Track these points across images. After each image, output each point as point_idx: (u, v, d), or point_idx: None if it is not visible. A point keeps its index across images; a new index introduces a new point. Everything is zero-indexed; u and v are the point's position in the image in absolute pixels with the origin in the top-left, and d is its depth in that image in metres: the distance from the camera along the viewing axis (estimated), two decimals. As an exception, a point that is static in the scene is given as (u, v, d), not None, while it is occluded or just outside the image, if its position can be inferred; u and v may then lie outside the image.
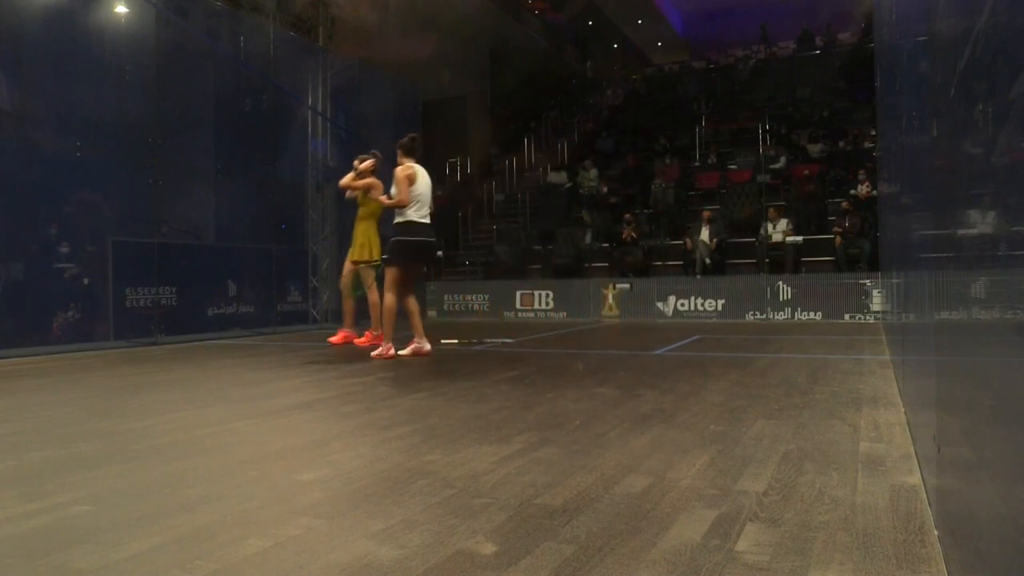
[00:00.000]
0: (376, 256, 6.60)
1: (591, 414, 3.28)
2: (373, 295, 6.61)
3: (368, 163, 6.65)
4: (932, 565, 1.52)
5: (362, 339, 6.75)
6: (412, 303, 6.00)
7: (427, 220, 5.79)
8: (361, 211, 6.65)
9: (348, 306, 6.87)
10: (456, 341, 7.37)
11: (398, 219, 5.76)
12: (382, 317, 6.00)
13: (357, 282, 6.71)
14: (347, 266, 6.74)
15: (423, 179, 5.77)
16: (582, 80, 22.20)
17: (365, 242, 6.59)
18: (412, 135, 6.03)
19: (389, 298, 5.77)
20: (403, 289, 5.81)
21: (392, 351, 5.78)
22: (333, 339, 6.79)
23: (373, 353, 5.88)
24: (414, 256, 5.77)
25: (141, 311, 7.77)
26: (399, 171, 5.73)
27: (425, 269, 6.40)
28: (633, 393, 3.87)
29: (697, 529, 1.74)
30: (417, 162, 5.89)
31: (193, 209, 8.94)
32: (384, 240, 6.46)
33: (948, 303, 1.55)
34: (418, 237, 5.73)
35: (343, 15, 11.43)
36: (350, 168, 6.81)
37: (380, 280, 6.30)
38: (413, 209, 5.71)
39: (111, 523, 1.86)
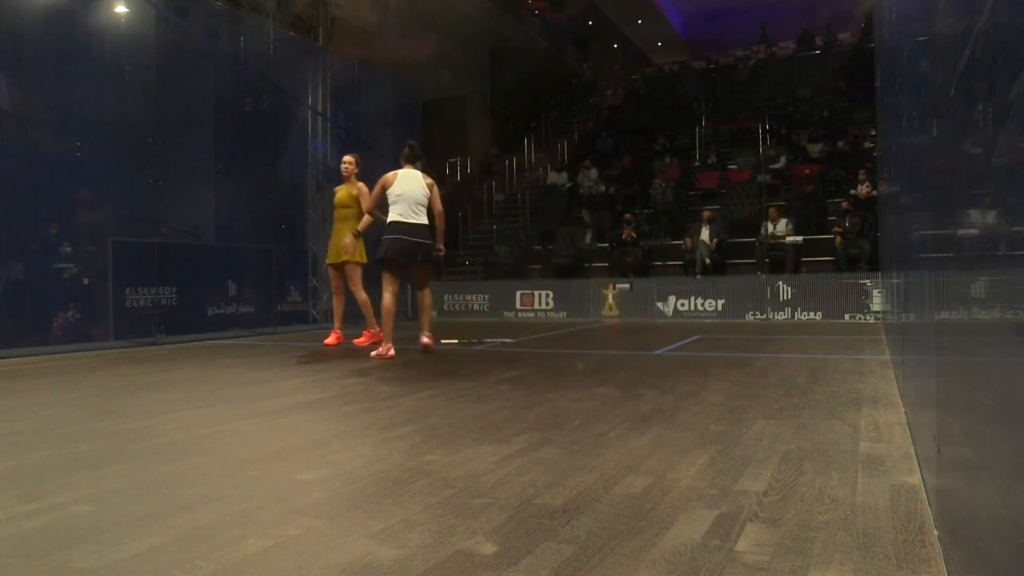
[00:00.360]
0: (364, 257, 6.67)
1: (591, 414, 3.27)
2: (362, 295, 6.65)
3: (346, 167, 6.70)
4: (932, 565, 1.52)
5: (361, 339, 6.76)
6: (422, 297, 6.20)
7: (407, 219, 5.79)
8: (345, 212, 6.70)
9: (338, 307, 6.92)
10: (456, 341, 7.37)
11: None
12: (380, 316, 6.06)
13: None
14: (333, 270, 6.78)
15: (403, 182, 5.84)
16: (582, 80, 22.21)
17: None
18: (410, 143, 6.13)
19: (386, 298, 5.83)
20: (395, 287, 5.86)
21: (391, 351, 5.79)
22: (327, 340, 6.83)
23: (372, 353, 5.89)
24: (392, 254, 5.78)
25: (141, 311, 7.77)
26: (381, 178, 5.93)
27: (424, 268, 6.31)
28: (633, 393, 3.87)
29: (697, 529, 1.74)
30: (418, 168, 5.96)
31: (193, 209, 8.93)
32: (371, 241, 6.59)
33: (948, 303, 1.55)
34: (393, 235, 5.77)
35: (343, 15, 11.43)
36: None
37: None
38: (394, 209, 5.82)
39: (111, 523, 1.86)
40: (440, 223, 6.01)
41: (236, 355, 6.52)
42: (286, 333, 9.12)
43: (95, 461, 2.55)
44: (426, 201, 5.88)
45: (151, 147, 7.92)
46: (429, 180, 5.96)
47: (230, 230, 9.46)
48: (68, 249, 7.27)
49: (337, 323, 6.88)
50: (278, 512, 1.93)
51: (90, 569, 1.56)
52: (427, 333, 6.19)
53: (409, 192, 5.81)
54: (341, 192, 6.75)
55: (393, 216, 5.82)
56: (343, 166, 6.75)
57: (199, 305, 8.53)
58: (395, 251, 5.76)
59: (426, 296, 6.23)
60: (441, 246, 6.12)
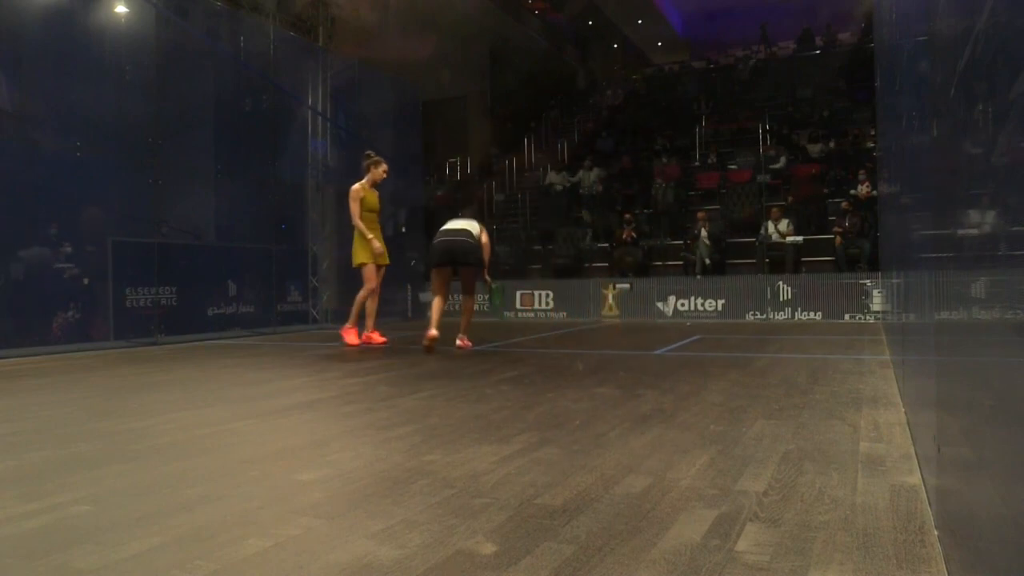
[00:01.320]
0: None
1: (591, 414, 3.27)
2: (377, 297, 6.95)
3: (385, 174, 6.96)
4: (932, 565, 1.52)
5: (375, 339, 6.88)
6: (464, 301, 6.74)
7: (451, 226, 6.45)
8: (376, 216, 6.94)
9: (374, 306, 7.01)
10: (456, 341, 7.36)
11: None
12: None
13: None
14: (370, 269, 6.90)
15: (456, 220, 6.61)
16: (581, 80, 22.22)
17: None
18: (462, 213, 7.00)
19: (435, 300, 6.37)
20: (441, 292, 6.41)
21: (434, 332, 6.12)
22: (352, 341, 6.87)
23: (426, 337, 6.13)
24: (435, 258, 6.33)
25: (141, 311, 7.77)
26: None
27: (459, 270, 6.55)
28: (633, 393, 3.87)
29: (697, 529, 1.74)
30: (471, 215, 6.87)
31: (193, 209, 8.93)
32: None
33: (948, 303, 1.55)
34: (437, 240, 6.37)
35: (343, 15, 11.43)
36: (352, 168, 6.92)
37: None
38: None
39: (111, 523, 1.86)
40: (486, 253, 6.51)
41: (236, 355, 6.52)
42: (286, 333, 9.12)
43: (95, 461, 2.55)
44: (475, 226, 6.45)
45: (151, 147, 7.92)
46: (481, 225, 6.56)
47: (230, 230, 9.45)
48: (68, 249, 7.27)
49: (370, 322, 6.94)
50: (278, 512, 1.93)
51: (90, 569, 1.56)
52: (462, 336, 6.58)
53: (460, 220, 6.54)
54: (373, 197, 6.86)
55: (440, 229, 6.47)
56: (383, 172, 6.86)
57: (199, 305, 8.53)
58: (436, 254, 6.31)
59: (468, 301, 6.68)
60: (487, 277, 6.72)
